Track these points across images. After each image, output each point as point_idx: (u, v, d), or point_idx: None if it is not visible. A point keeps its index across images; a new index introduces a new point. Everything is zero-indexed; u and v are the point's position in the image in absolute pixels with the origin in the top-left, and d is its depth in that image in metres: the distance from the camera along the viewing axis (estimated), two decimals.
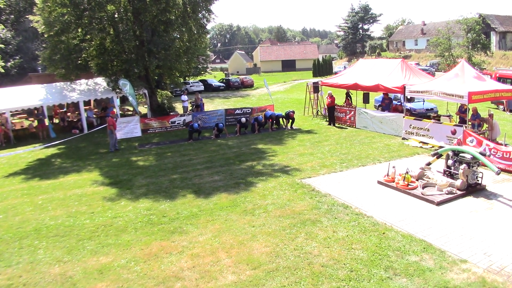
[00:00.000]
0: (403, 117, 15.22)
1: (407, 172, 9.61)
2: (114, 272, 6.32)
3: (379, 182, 10.00)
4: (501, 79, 22.09)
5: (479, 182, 9.44)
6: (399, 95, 18.21)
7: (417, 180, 9.66)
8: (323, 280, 5.82)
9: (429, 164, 10.17)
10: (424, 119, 14.80)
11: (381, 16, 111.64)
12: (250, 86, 45.55)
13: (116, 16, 19.05)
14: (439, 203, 8.56)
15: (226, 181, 10.76)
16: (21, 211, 9.29)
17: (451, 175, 9.72)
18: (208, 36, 52.54)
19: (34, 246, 7.38)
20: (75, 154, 15.19)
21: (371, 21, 79.90)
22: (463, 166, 9.18)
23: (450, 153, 9.82)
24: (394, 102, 18.61)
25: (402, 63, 17.06)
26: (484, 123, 13.69)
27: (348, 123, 18.15)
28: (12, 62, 30.61)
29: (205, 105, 24.33)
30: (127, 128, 17.99)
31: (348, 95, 20.07)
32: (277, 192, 9.69)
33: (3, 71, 24.38)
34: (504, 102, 21.07)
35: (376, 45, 72.84)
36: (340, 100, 20.26)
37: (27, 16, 24.58)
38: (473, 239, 6.93)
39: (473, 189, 9.27)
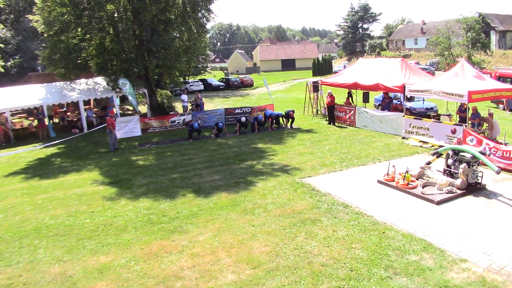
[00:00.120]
0: (403, 116, 15.22)
1: (407, 171, 9.61)
2: (114, 272, 6.32)
3: (379, 182, 10.00)
4: (501, 78, 22.11)
5: (479, 181, 9.44)
6: (399, 94, 18.21)
7: (417, 179, 9.66)
8: (323, 280, 5.82)
9: (429, 163, 10.17)
10: (424, 118, 14.80)
11: (381, 15, 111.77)
12: (249, 85, 45.53)
13: (115, 15, 19.04)
14: (439, 203, 8.56)
15: (226, 180, 10.76)
16: (21, 210, 9.29)
17: (451, 174, 9.72)
18: (208, 35, 52.50)
19: (34, 245, 7.38)
20: (75, 153, 15.19)
21: (370, 20, 79.99)
22: (463, 165, 9.18)
23: (450, 152, 9.82)
24: (394, 101, 18.60)
25: (402, 62, 17.05)
26: (484, 122, 13.69)
27: (348, 123, 18.15)
28: (12, 61, 30.60)
29: (205, 104, 24.32)
30: (127, 128, 17.99)
31: (350, 95, 20.08)
32: (277, 191, 9.69)
33: (2, 70, 24.35)
34: (504, 101, 21.07)
35: (375, 44, 72.88)
36: (340, 99, 20.26)
37: (26, 16, 24.59)
38: (473, 239, 6.93)
39: (473, 188, 9.27)
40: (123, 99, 25.62)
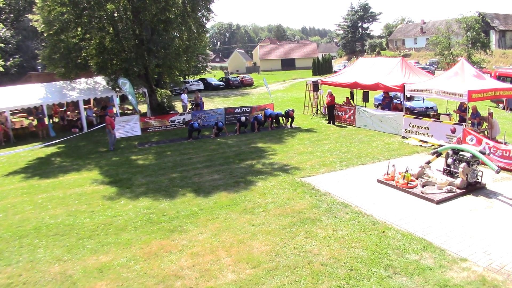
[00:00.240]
0: (403, 115, 15.23)
1: (406, 171, 9.61)
2: (114, 271, 6.32)
3: (379, 181, 10.00)
4: (501, 77, 22.09)
5: (479, 180, 9.44)
6: (399, 93, 18.21)
7: (416, 178, 9.66)
8: (323, 279, 5.82)
9: (428, 162, 10.18)
10: (424, 118, 14.80)
11: (381, 14, 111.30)
12: (249, 85, 45.53)
13: (115, 15, 19.03)
14: (439, 202, 8.57)
15: (226, 180, 10.76)
16: (21, 210, 9.29)
17: (451, 174, 9.72)
18: (208, 35, 52.48)
19: (34, 245, 7.38)
20: (75, 153, 15.19)
21: (370, 19, 79.98)
22: (463, 164, 9.19)
23: (450, 152, 9.82)
24: (394, 100, 18.60)
25: (402, 62, 17.04)
26: (484, 122, 13.68)
27: (347, 122, 18.15)
28: (12, 61, 30.59)
29: (205, 104, 24.33)
30: (127, 127, 17.99)
31: (352, 96, 20.08)
32: (277, 191, 9.69)
33: (2, 70, 24.37)
34: (504, 100, 21.07)
35: (375, 44, 72.83)
36: (340, 99, 20.26)
37: (26, 15, 24.62)
38: (473, 238, 6.94)
39: (473, 187, 9.27)
40: (123, 99, 25.62)
